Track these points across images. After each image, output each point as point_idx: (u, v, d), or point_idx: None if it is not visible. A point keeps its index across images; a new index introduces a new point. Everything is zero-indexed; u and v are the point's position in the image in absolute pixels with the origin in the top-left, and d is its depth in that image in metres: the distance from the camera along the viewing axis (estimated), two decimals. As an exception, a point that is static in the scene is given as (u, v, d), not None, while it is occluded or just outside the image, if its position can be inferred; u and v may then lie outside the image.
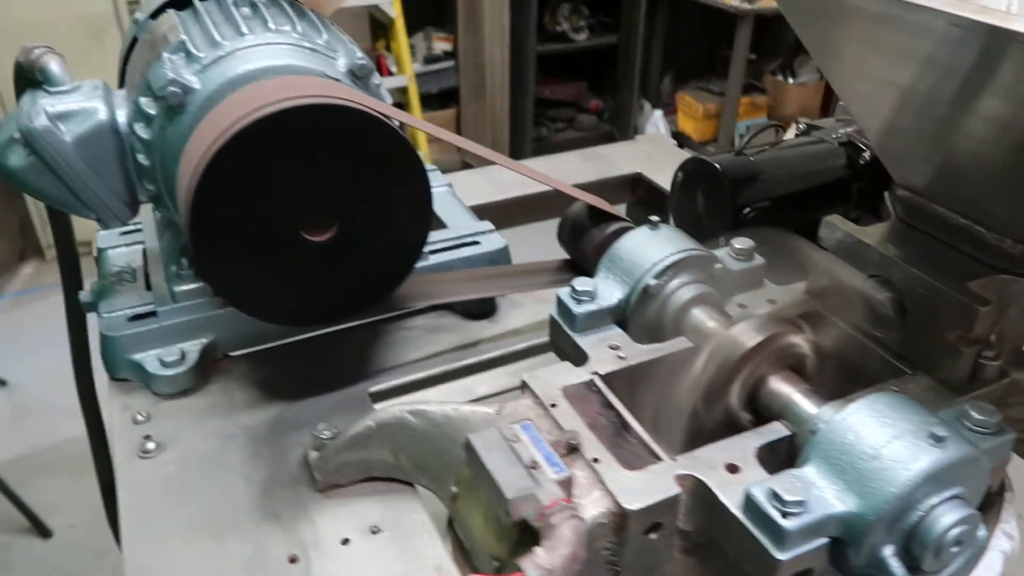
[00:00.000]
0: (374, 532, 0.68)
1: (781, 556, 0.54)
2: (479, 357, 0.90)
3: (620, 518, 0.59)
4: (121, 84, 0.90)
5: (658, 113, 4.68)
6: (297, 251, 0.71)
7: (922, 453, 0.54)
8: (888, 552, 0.55)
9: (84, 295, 0.94)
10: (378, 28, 3.88)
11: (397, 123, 0.72)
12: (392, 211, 0.73)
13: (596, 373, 0.71)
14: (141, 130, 0.77)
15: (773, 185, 0.99)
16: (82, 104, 0.77)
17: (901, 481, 0.54)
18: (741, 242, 0.84)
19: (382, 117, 0.69)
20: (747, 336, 0.68)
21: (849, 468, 0.56)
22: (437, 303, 0.93)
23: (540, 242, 1.25)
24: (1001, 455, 0.62)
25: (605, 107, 4.84)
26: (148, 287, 0.92)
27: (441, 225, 1.05)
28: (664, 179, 1.33)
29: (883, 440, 0.56)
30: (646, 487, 0.60)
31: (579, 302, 0.76)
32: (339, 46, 0.80)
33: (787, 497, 0.54)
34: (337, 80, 0.77)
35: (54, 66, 0.78)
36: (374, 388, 0.85)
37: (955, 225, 0.73)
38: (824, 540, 0.55)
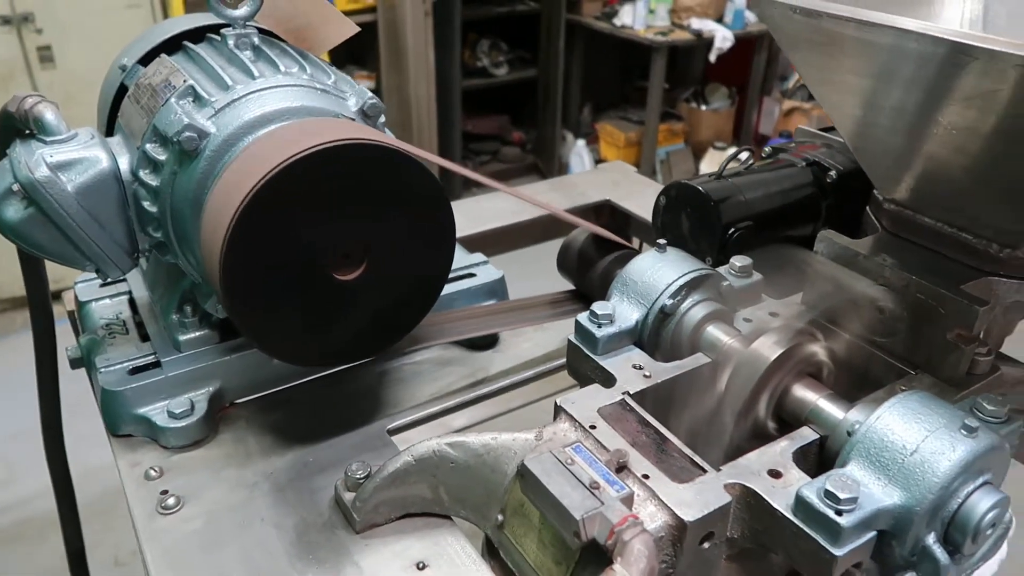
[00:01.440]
0: (421, 568, 0.68)
1: (838, 552, 0.57)
2: (491, 387, 0.91)
3: (678, 530, 0.61)
4: (109, 132, 0.88)
5: (581, 143, 4.80)
6: (327, 292, 0.70)
7: (959, 444, 0.59)
8: (931, 540, 0.59)
9: (72, 350, 0.90)
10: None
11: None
12: (418, 245, 0.74)
13: (627, 393, 0.74)
14: (148, 177, 0.76)
15: (753, 205, 1.04)
16: (83, 153, 0.75)
17: (943, 471, 0.58)
18: (741, 260, 0.88)
19: (411, 154, 0.70)
20: (770, 349, 0.71)
21: (891, 463, 0.60)
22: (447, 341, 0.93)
23: (521, 270, 1.27)
24: (1012, 442, 0.67)
25: (528, 139, 4.94)
26: (143, 338, 0.89)
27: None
28: (630, 204, 1.38)
29: (921, 435, 0.60)
30: (699, 498, 0.62)
31: (600, 325, 0.78)
32: (347, 87, 0.81)
33: (841, 495, 0.57)
34: (352, 120, 0.77)
35: (49, 115, 0.76)
36: (392, 425, 0.84)
37: (943, 234, 0.79)
38: (873, 534, 0.59)
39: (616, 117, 4.92)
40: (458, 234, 1.22)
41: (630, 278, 0.83)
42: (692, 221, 1.06)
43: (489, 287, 1.00)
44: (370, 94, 0.80)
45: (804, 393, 0.72)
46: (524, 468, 0.62)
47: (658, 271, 0.82)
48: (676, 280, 0.80)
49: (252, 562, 0.68)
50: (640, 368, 0.77)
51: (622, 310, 0.81)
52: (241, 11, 0.81)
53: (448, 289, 0.98)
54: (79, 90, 3.24)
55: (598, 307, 0.79)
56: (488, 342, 0.98)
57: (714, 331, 0.79)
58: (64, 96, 3.29)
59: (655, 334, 0.80)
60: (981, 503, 0.59)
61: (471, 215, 1.31)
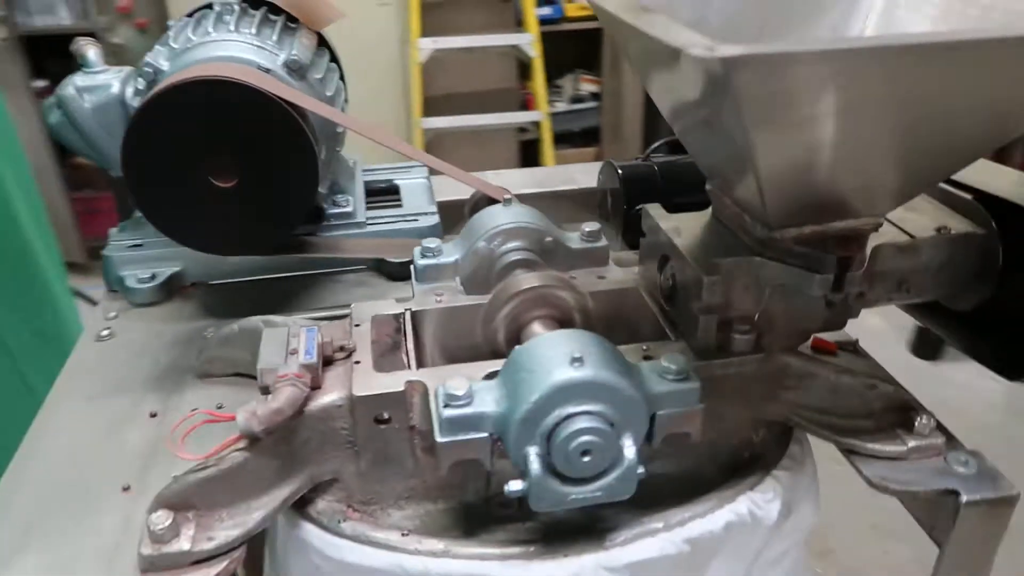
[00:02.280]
0: (219, 408, 0.88)
1: (440, 439, 0.67)
2: (376, 307, 1.07)
3: (352, 403, 0.74)
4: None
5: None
6: (207, 192, 0.93)
7: (560, 370, 0.65)
8: (532, 451, 0.66)
9: (114, 231, 1.23)
10: (528, 69, 4.16)
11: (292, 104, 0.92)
12: (281, 172, 0.94)
13: (408, 309, 0.87)
14: (135, 101, 1.04)
15: (669, 190, 1.08)
16: (101, 81, 1.06)
17: (537, 388, 0.65)
18: (590, 225, 0.96)
19: (272, 96, 0.90)
20: (524, 281, 0.80)
21: (512, 380, 0.68)
22: (352, 256, 1.12)
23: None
24: (684, 400, 0.70)
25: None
26: (154, 228, 1.19)
27: (397, 204, 1.25)
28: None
29: (542, 359, 0.67)
30: (379, 384, 0.75)
31: (423, 256, 0.92)
32: (285, 47, 1.03)
33: (449, 392, 0.67)
34: (269, 70, 0.99)
35: (89, 53, 1.07)
36: (283, 318, 1.05)
37: (732, 213, 0.81)
38: (482, 435, 0.67)
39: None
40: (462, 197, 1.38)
41: (471, 223, 0.95)
42: (612, 199, 1.13)
43: (421, 231, 1.16)
44: (296, 53, 1.01)
45: (537, 329, 0.80)
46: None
47: (490, 219, 0.93)
48: (496, 227, 0.91)
49: (120, 377, 0.93)
50: (441, 295, 0.89)
51: (450, 248, 0.93)
52: (226, -13, 1.07)
53: (386, 227, 1.17)
54: (335, 73, 3.86)
55: (427, 242, 0.93)
56: (405, 275, 1.14)
57: (519, 276, 0.88)
58: (324, 78, 3.98)
59: (472, 272, 0.91)
60: (569, 427, 0.65)
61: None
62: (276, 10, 1.14)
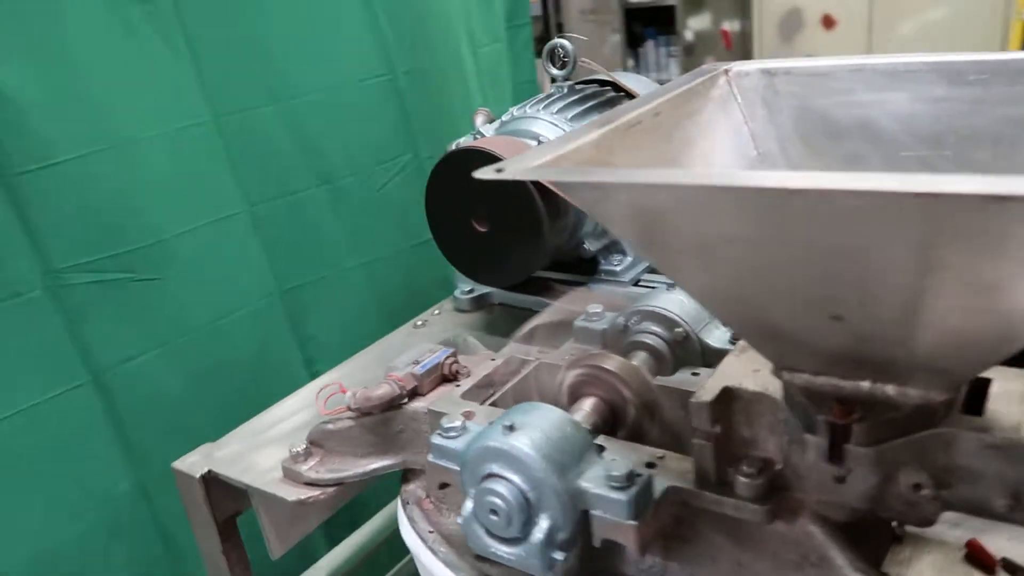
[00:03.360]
0: (420, 396, 1.15)
1: (428, 458, 0.81)
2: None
3: (427, 413, 0.92)
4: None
5: None
6: (470, 232, 1.20)
7: (492, 437, 0.72)
8: (472, 493, 0.75)
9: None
10: None
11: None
12: (517, 227, 1.15)
13: (538, 358, 0.98)
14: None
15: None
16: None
17: (477, 443, 0.73)
18: (740, 328, 0.91)
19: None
20: (594, 359, 0.85)
21: (482, 434, 0.77)
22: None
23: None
24: (612, 508, 0.68)
25: None
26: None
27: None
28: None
29: (500, 421, 0.75)
30: (449, 407, 0.91)
31: (583, 319, 1.01)
32: (571, 124, 1.22)
33: (443, 423, 0.80)
34: (543, 141, 1.20)
35: (477, 119, 1.43)
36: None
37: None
38: (454, 466, 0.78)
39: None
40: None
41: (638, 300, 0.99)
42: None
43: (670, 301, 1.22)
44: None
45: (585, 407, 0.83)
46: (419, 345, 1.03)
47: (646, 299, 0.96)
48: (637, 307, 0.95)
49: (400, 352, 1.27)
50: (571, 356, 0.98)
51: (609, 316, 1.00)
52: (557, 72, 1.31)
53: (645, 290, 1.26)
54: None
55: (591, 307, 1.02)
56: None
57: (602, 354, 0.90)
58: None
59: (610, 343, 0.97)
60: (487, 484, 0.71)
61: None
62: (617, 88, 1.35)
